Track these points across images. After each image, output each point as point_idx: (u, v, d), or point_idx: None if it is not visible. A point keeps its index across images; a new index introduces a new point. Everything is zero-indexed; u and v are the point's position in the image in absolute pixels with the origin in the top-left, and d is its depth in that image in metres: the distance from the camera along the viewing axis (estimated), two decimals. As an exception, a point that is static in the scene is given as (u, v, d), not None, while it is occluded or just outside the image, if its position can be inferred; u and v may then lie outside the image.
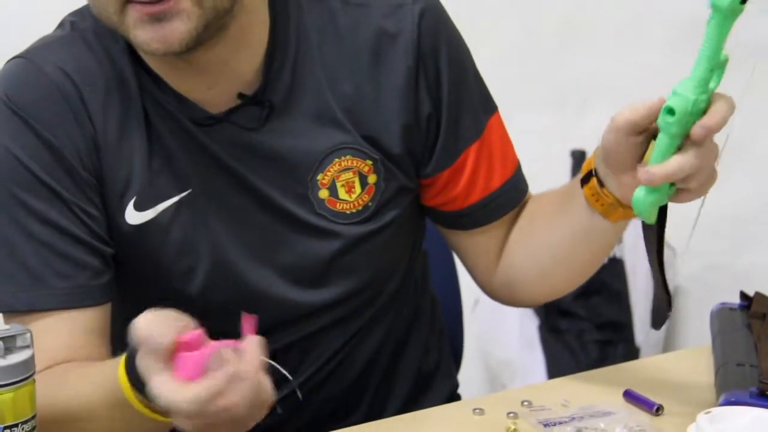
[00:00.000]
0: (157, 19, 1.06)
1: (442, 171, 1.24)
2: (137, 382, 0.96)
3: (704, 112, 1.03)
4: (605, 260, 1.27)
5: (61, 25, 1.21)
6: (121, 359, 0.99)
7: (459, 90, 1.23)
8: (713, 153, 1.06)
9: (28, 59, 1.17)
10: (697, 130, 1.03)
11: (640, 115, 1.06)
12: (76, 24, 1.19)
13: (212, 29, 1.10)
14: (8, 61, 1.19)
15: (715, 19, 1.00)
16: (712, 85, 1.03)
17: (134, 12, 1.07)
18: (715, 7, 1.00)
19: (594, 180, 1.14)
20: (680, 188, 1.08)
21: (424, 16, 1.21)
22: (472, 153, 1.24)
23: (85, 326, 1.13)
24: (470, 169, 1.24)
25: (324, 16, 1.20)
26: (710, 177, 1.07)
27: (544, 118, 2.40)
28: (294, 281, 1.21)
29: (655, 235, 1.11)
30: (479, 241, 1.28)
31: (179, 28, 1.07)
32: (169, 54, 1.09)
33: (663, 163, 1.04)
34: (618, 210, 1.15)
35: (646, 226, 1.11)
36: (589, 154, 1.19)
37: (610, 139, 1.10)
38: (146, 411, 0.99)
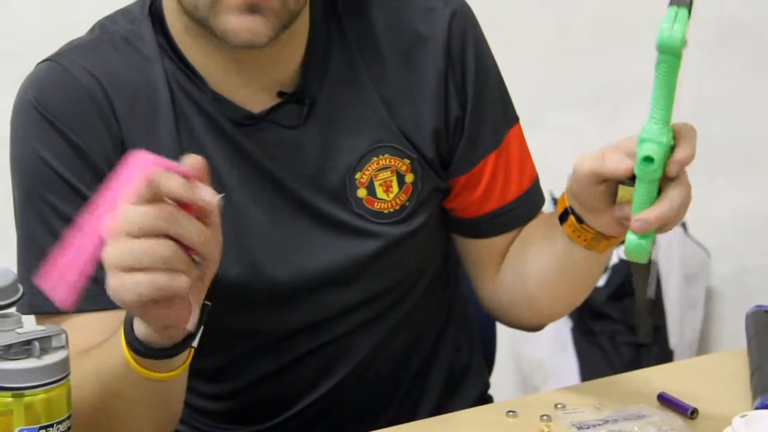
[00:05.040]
0: (252, 10, 1.08)
1: (459, 176, 1.25)
2: (133, 340, 0.99)
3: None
4: (593, 288, 1.25)
5: (91, 29, 1.22)
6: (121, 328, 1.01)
7: (481, 96, 1.24)
8: (687, 180, 1.04)
9: (56, 62, 1.18)
10: (673, 168, 1.02)
11: (602, 168, 1.05)
12: (105, 27, 1.20)
13: (286, 28, 1.12)
14: (37, 64, 1.20)
15: (667, 62, 0.99)
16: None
17: None
18: (666, 50, 0.98)
19: (572, 218, 1.13)
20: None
21: (454, 19, 1.22)
22: (490, 162, 1.24)
23: (115, 326, 1.14)
24: (487, 178, 1.24)
25: (361, 17, 1.21)
26: (689, 201, 1.06)
27: (578, 118, 2.39)
28: (325, 282, 1.21)
29: (645, 269, 1.09)
30: (487, 251, 1.28)
31: (267, 24, 1.09)
32: (252, 46, 1.10)
33: (653, 207, 1.02)
34: (602, 242, 1.14)
35: (633, 265, 1.08)
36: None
37: (575, 188, 1.09)
38: (142, 370, 1.00)
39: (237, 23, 1.09)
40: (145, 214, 0.91)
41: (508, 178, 1.25)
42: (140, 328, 0.99)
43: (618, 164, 1.04)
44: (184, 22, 1.15)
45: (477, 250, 1.29)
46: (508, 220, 1.26)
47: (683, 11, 0.98)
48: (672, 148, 1.02)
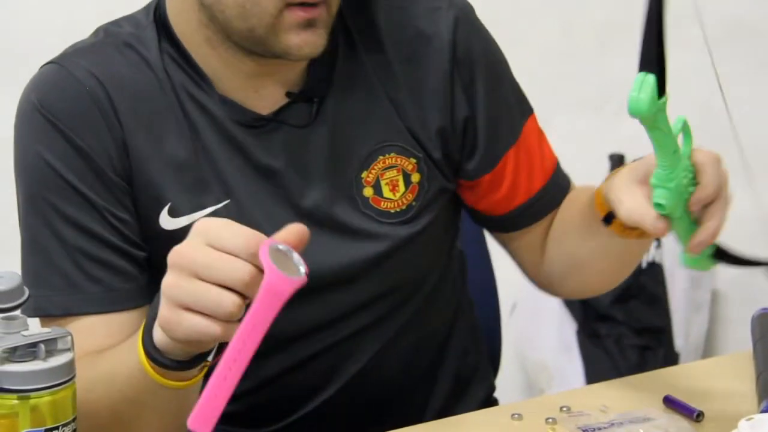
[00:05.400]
0: (310, 24, 1.11)
1: (483, 175, 1.25)
2: (152, 350, 0.98)
3: (694, 177, 1.06)
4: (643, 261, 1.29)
5: (95, 32, 1.22)
6: (140, 330, 1.01)
7: (495, 96, 1.24)
8: (726, 196, 1.08)
9: (60, 65, 1.18)
10: (694, 207, 1.06)
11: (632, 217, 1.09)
12: (109, 31, 1.20)
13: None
14: (41, 67, 1.20)
15: (647, 125, 1.02)
16: (685, 149, 1.05)
17: (294, 15, 1.10)
18: (637, 117, 1.01)
19: (618, 221, 1.14)
20: None
21: (459, 22, 1.23)
22: (511, 157, 1.26)
23: (122, 328, 1.14)
24: (511, 173, 1.26)
25: (366, 17, 1.22)
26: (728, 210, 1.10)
27: (583, 121, 2.39)
28: (334, 282, 1.21)
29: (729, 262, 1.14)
30: (525, 239, 1.30)
31: (323, 35, 1.12)
32: (308, 58, 1.13)
33: (699, 233, 1.07)
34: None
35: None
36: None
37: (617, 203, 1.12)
38: (158, 378, 1.00)
39: (298, 39, 1.11)
40: (231, 266, 0.90)
41: (531, 169, 1.27)
42: (160, 339, 0.99)
43: (631, 220, 1.08)
44: (207, 35, 1.15)
45: (517, 241, 1.31)
46: (539, 208, 1.28)
47: (650, 77, 1.01)
48: (692, 181, 1.06)
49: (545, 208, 1.28)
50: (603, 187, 1.16)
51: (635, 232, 1.15)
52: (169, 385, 1.01)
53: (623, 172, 1.12)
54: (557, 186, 1.29)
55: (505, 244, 1.33)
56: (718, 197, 1.07)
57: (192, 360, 1.00)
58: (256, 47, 1.13)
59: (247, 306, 0.90)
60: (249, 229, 0.92)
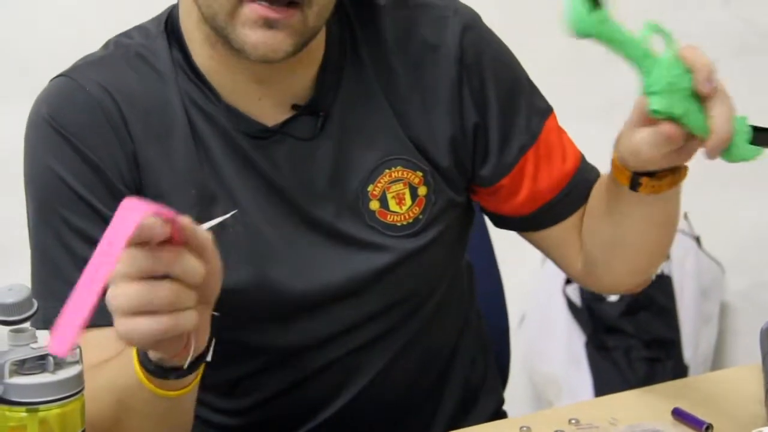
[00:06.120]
0: (270, 25, 1.08)
1: (501, 179, 1.25)
2: (147, 363, 0.99)
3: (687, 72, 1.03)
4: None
5: (105, 45, 1.22)
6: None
7: (508, 99, 1.24)
8: (720, 87, 1.04)
9: (70, 77, 1.18)
10: (705, 86, 1.03)
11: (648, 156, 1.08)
12: (120, 43, 1.21)
13: (306, 45, 1.12)
14: (51, 80, 1.20)
15: (602, 42, 1.02)
16: (668, 50, 1.03)
17: (251, 11, 1.08)
18: (576, 33, 1.02)
19: (645, 179, 1.13)
20: None
21: (466, 29, 1.22)
22: (530, 158, 1.25)
23: None
24: (531, 173, 1.25)
25: (372, 29, 1.21)
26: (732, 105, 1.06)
27: (592, 129, 2.38)
28: (338, 296, 1.21)
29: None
30: (558, 236, 1.29)
31: (286, 40, 1.09)
32: (268, 61, 1.10)
33: (713, 137, 1.03)
34: (682, 170, 1.14)
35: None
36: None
37: (634, 159, 1.11)
38: (154, 388, 1.00)
39: (255, 37, 1.09)
40: (144, 258, 0.90)
41: (552, 167, 1.26)
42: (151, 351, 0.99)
43: (653, 154, 1.07)
44: (205, 31, 1.15)
45: (550, 239, 1.30)
46: (567, 204, 1.27)
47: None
48: (682, 76, 1.03)
49: (573, 203, 1.27)
50: (615, 156, 1.15)
51: (665, 180, 1.13)
52: (165, 395, 1.01)
53: (621, 130, 1.11)
54: (584, 180, 1.28)
55: (538, 244, 1.32)
56: (712, 92, 1.03)
57: (188, 366, 0.99)
58: (224, 40, 1.12)
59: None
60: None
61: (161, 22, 1.20)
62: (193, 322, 0.92)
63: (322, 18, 1.12)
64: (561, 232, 1.29)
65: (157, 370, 0.99)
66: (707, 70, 1.03)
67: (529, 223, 1.29)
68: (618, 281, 1.30)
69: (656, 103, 1.03)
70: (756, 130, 1.07)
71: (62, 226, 1.15)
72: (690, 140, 1.07)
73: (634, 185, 1.15)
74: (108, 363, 1.09)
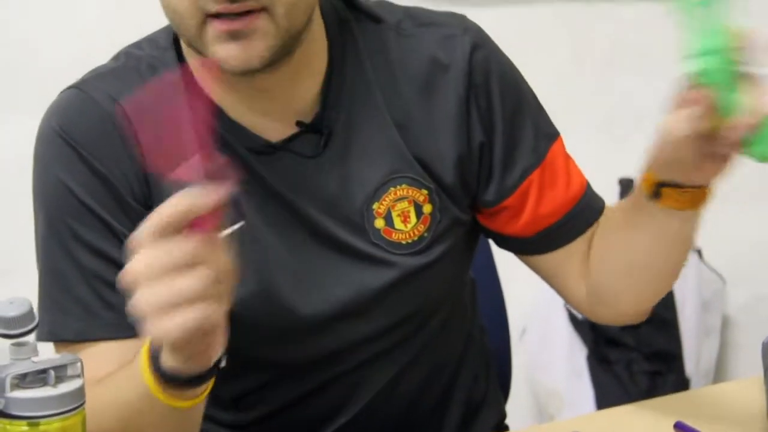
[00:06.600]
0: (235, 36, 1.07)
1: (504, 199, 1.24)
2: (166, 374, 0.98)
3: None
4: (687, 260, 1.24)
5: (116, 56, 1.22)
6: (144, 351, 1.01)
7: (514, 119, 1.23)
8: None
9: (80, 89, 1.18)
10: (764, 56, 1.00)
11: (692, 117, 1.04)
12: (131, 54, 1.20)
13: (288, 48, 1.11)
14: (61, 92, 1.20)
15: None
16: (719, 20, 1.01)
17: (213, 29, 1.07)
18: None
19: (669, 190, 1.12)
20: None
21: (475, 48, 1.21)
22: (534, 180, 1.24)
23: (133, 354, 1.14)
24: (535, 196, 1.24)
25: (377, 46, 1.21)
26: None
27: (592, 145, 2.39)
28: (343, 312, 1.21)
29: None
30: (558, 262, 1.27)
31: (258, 46, 1.08)
32: (247, 71, 1.09)
33: (741, 111, 1.00)
34: (703, 194, 1.13)
35: None
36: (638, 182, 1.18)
37: (670, 156, 1.08)
38: (168, 399, 1.00)
39: (224, 52, 1.08)
40: (169, 252, 0.90)
41: (556, 192, 1.24)
42: (168, 359, 0.99)
43: (682, 131, 1.04)
44: (199, 59, 1.15)
45: (550, 264, 1.27)
46: (568, 230, 1.25)
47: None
48: (727, 50, 1.00)
49: (575, 230, 1.26)
50: (644, 165, 1.13)
51: (686, 195, 1.12)
52: (179, 405, 1.01)
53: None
54: (588, 207, 1.26)
55: (537, 270, 1.30)
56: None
57: (204, 374, 1.00)
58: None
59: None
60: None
61: (170, 33, 1.20)
62: (223, 312, 0.91)
63: (295, 18, 1.09)
64: (561, 258, 1.27)
65: (174, 379, 0.99)
66: (764, 44, 0.99)
67: (528, 247, 1.27)
68: (624, 310, 1.28)
69: (697, 64, 1.00)
70: None
71: (70, 239, 1.15)
72: (717, 142, 1.04)
73: (657, 194, 1.13)
74: (113, 376, 1.08)
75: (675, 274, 1.24)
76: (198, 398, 1.02)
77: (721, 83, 1.01)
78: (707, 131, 1.04)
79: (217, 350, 0.98)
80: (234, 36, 1.07)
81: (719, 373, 2.48)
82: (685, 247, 1.21)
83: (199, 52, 1.11)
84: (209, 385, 1.03)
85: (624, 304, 1.26)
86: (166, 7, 1.10)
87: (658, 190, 1.13)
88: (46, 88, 1.31)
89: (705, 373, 2.39)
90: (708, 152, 1.06)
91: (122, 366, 1.08)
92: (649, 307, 1.29)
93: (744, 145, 1.02)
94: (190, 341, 0.95)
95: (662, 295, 1.27)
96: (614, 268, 1.24)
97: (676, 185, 1.12)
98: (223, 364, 1.01)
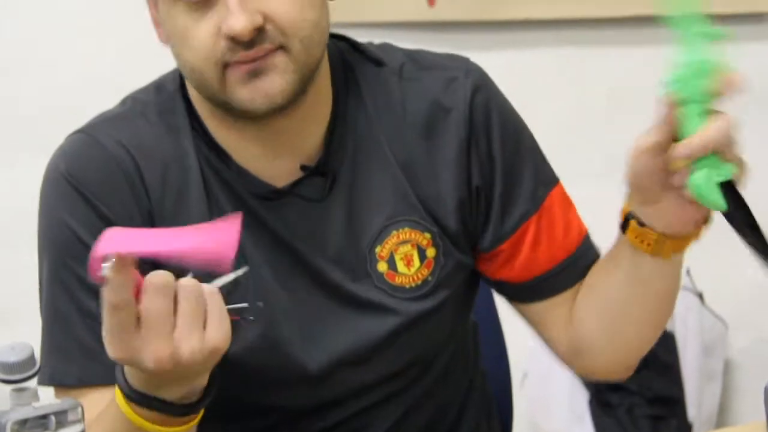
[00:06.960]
0: (255, 74, 1.09)
1: (500, 244, 1.23)
2: (129, 392, 1.00)
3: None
4: (673, 310, 1.23)
5: (122, 101, 1.23)
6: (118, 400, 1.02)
7: (513, 164, 1.23)
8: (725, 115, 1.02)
9: (87, 134, 1.19)
10: (723, 86, 1.00)
11: (660, 131, 1.06)
12: (137, 99, 1.21)
13: (305, 82, 1.12)
14: (68, 136, 1.21)
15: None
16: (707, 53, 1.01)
17: (234, 73, 1.09)
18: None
19: (633, 222, 1.13)
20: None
21: (477, 91, 1.22)
22: (531, 226, 1.23)
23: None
24: (530, 242, 1.23)
25: (379, 89, 1.21)
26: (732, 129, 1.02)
27: (592, 189, 2.39)
28: (346, 361, 1.20)
29: (739, 219, 1.04)
30: (547, 311, 1.26)
31: (278, 81, 1.09)
32: (272, 109, 1.10)
33: (699, 132, 1.01)
34: (666, 243, 1.13)
35: (726, 215, 1.04)
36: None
37: (634, 177, 1.09)
38: (137, 419, 1.00)
39: (247, 93, 1.09)
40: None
41: (553, 239, 1.24)
42: (132, 376, 1.00)
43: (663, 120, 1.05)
44: (208, 107, 1.16)
45: (539, 313, 1.27)
46: (562, 279, 1.25)
47: None
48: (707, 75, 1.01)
49: (568, 279, 1.25)
50: (625, 198, 1.13)
51: (648, 236, 1.11)
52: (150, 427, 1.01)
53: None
54: (584, 257, 1.25)
55: (526, 316, 1.29)
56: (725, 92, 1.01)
57: (196, 402, 1.01)
58: (224, 107, 1.13)
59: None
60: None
61: (176, 79, 1.20)
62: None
63: (313, 50, 1.11)
64: (550, 308, 1.26)
65: (141, 394, 0.99)
66: (735, 79, 1.00)
67: (520, 293, 1.26)
68: (601, 364, 1.26)
69: (674, 73, 1.01)
70: (728, 184, 1.03)
71: (74, 283, 1.15)
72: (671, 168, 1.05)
73: (624, 225, 1.14)
74: (97, 418, 1.08)
75: (654, 327, 1.23)
76: (186, 425, 1.02)
77: (690, 97, 1.02)
78: (668, 149, 1.04)
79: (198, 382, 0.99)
80: (255, 74, 1.09)
81: (722, 417, 2.47)
82: (659, 298, 1.20)
83: (220, 101, 1.12)
84: (198, 414, 1.02)
85: (600, 356, 1.25)
86: (184, 67, 1.12)
87: (626, 221, 1.14)
88: (49, 134, 1.32)
89: (707, 418, 2.38)
90: (667, 185, 1.07)
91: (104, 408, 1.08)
92: (630, 364, 1.27)
93: (688, 180, 1.03)
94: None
95: (641, 352, 1.26)
96: (592, 314, 1.23)
97: (641, 222, 1.12)
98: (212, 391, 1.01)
